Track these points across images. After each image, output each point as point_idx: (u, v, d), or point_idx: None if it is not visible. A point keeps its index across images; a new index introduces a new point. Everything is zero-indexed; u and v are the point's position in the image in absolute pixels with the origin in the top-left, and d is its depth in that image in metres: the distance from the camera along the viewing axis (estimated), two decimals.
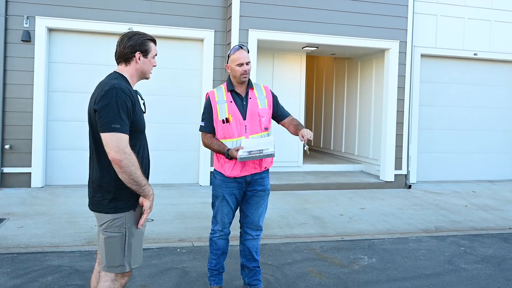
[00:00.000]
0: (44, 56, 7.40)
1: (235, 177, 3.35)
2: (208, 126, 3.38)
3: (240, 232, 3.56)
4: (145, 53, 2.50)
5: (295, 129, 3.43)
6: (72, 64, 7.69)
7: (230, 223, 3.50)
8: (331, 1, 8.02)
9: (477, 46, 9.19)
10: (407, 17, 8.36)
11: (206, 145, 3.42)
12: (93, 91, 2.47)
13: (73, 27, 7.51)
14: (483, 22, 9.21)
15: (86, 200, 6.60)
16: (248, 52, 3.41)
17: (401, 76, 8.39)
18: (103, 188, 2.38)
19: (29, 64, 7.34)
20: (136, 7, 7.71)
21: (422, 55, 8.90)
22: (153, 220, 5.57)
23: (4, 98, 7.27)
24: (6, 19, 7.20)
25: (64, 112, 7.70)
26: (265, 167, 3.41)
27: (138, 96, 2.56)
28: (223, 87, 3.45)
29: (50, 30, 7.54)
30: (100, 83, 2.45)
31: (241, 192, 3.42)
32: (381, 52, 8.72)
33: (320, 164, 9.48)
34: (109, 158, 2.24)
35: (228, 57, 3.40)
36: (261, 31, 7.79)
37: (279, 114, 3.52)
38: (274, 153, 3.22)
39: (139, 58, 2.49)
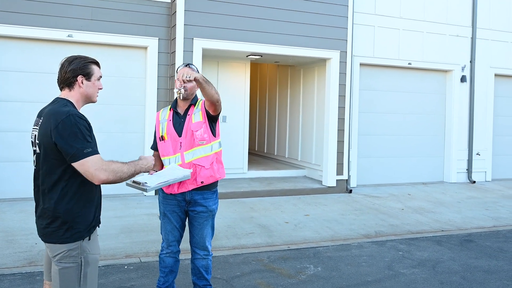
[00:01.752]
0: None
1: (173, 194, 3.39)
2: (153, 144, 3.60)
3: (191, 251, 3.60)
4: (87, 76, 2.49)
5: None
6: (7, 71, 7.33)
7: (177, 241, 3.52)
8: (274, 11, 8.21)
9: (411, 56, 9.76)
10: (347, 28, 8.72)
11: None
12: (39, 120, 2.42)
13: (7, 33, 7.15)
14: (416, 33, 9.79)
15: (23, 216, 6.39)
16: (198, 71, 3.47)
17: (342, 85, 8.74)
18: (59, 218, 2.34)
19: None
20: (76, 13, 7.47)
21: (361, 64, 9.31)
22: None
23: None
24: None
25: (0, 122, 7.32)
26: (201, 182, 3.37)
27: None
28: (169, 106, 3.55)
29: None
30: (48, 112, 2.39)
31: (182, 210, 3.45)
32: (323, 61, 9.03)
33: (264, 170, 9.67)
34: (96, 183, 2.28)
35: (176, 73, 3.50)
36: (206, 40, 7.82)
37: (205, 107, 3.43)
38: (187, 175, 3.20)
39: (82, 82, 2.47)
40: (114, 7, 7.68)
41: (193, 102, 3.46)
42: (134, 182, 2.93)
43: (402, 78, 9.99)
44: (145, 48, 8.04)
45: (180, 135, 3.38)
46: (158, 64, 8.00)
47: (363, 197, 8.38)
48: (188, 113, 3.42)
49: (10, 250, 4.94)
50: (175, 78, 3.49)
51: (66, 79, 2.45)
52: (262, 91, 12.45)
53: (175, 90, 3.02)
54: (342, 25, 8.70)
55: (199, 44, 7.78)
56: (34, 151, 2.45)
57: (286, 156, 10.77)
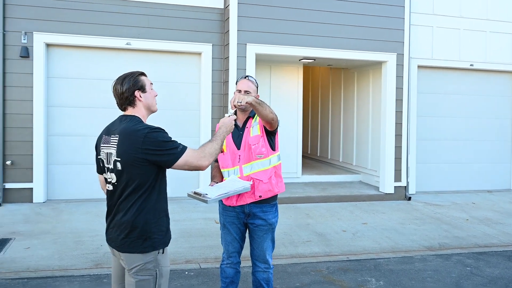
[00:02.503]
0: (43, 72, 7.38)
1: (232, 206, 3.39)
2: None
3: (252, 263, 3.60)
4: (142, 88, 2.58)
5: None
6: (70, 79, 7.68)
7: (237, 252, 3.52)
8: (327, 14, 8.09)
9: (473, 57, 9.32)
10: (403, 30, 8.46)
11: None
12: (110, 138, 2.51)
13: (71, 42, 7.50)
14: (478, 33, 9.34)
15: (89, 217, 6.64)
16: (257, 86, 3.46)
17: (399, 89, 8.49)
18: (137, 229, 2.45)
19: (28, 80, 7.32)
20: (134, 22, 7.71)
21: (419, 66, 9.00)
22: None
23: (4, 114, 7.24)
24: (4, 35, 7.17)
25: (63, 127, 7.68)
26: (259, 196, 3.34)
27: None
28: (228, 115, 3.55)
29: (48, 45, 7.52)
30: (126, 131, 2.46)
31: (242, 222, 3.44)
32: (378, 64, 8.81)
33: (318, 175, 9.56)
34: (203, 169, 2.51)
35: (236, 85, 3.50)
36: (259, 45, 7.83)
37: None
38: (247, 187, 3.20)
39: (140, 96, 2.57)
40: (169, 15, 7.86)
41: (252, 114, 3.45)
42: (195, 193, 2.98)
43: (464, 80, 9.56)
44: (199, 54, 8.16)
45: (238, 148, 3.37)
46: (212, 70, 8.10)
47: (424, 205, 8.08)
48: (247, 126, 3.41)
49: (78, 251, 5.15)
50: (235, 91, 3.49)
51: (126, 99, 2.55)
52: (314, 94, 12.33)
53: (226, 115, 3.03)
54: (399, 27, 8.45)
55: (252, 50, 7.81)
56: (108, 168, 2.52)
57: (340, 160, 10.60)
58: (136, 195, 2.45)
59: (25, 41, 7.27)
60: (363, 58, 8.35)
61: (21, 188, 7.34)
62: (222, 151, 3.39)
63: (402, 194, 8.49)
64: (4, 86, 7.22)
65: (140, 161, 2.40)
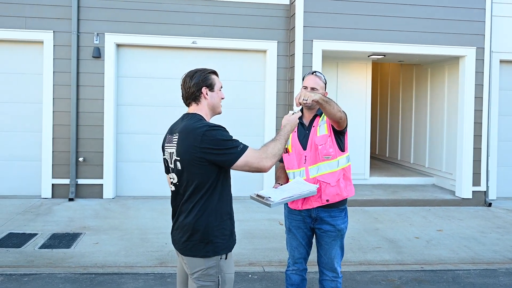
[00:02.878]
0: (113, 71, 7.59)
1: (297, 210, 3.19)
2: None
3: (318, 271, 3.38)
4: (210, 87, 2.48)
5: None
6: (138, 78, 7.85)
7: (304, 258, 3.31)
8: (399, 7, 7.64)
9: None
10: (484, 21, 7.81)
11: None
12: (172, 137, 2.43)
13: (139, 42, 7.66)
14: None
15: (155, 214, 6.71)
16: (325, 82, 3.25)
17: (479, 85, 7.84)
18: (198, 232, 2.34)
19: (99, 79, 7.57)
20: (200, 20, 7.73)
21: (501, 61, 8.27)
22: None
23: (77, 112, 7.53)
24: (78, 36, 7.46)
25: (132, 125, 7.87)
26: (327, 200, 3.13)
27: None
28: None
29: (118, 45, 7.73)
30: (186, 129, 2.37)
31: (308, 226, 3.23)
32: (454, 59, 8.21)
33: (388, 177, 9.09)
34: (265, 171, 2.36)
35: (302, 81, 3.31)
36: (326, 41, 7.56)
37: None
38: (313, 191, 2.95)
39: (206, 93, 2.46)
40: (234, 13, 7.80)
41: (319, 112, 3.23)
42: (258, 195, 2.78)
43: None
44: (264, 51, 8.03)
45: (304, 148, 3.17)
46: (277, 67, 7.95)
47: (506, 212, 7.40)
48: (313, 125, 3.20)
49: (144, 248, 5.20)
50: (302, 87, 3.29)
51: (192, 93, 2.45)
52: (383, 92, 11.80)
53: (290, 112, 2.80)
54: (479, 18, 7.80)
55: (319, 46, 7.55)
56: (171, 168, 2.45)
57: (411, 162, 10.03)
58: (196, 196, 2.34)
59: (97, 42, 7.53)
60: (439, 53, 7.80)
61: (92, 184, 7.61)
62: (287, 151, 3.21)
63: (481, 199, 7.84)
64: (78, 86, 7.52)
65: (199, 160, 2.29)
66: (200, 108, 2.47)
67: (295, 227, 3.26)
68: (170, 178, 2.47)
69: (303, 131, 3.22)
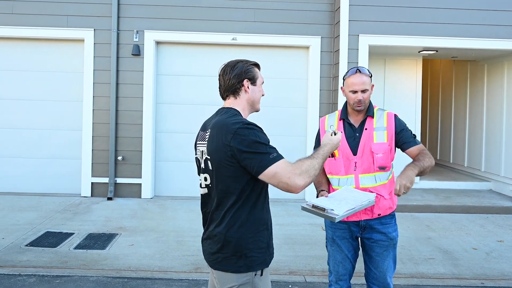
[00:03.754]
0: (153, 69, 7.47)
1: (345, 221, 2.82)
2: None
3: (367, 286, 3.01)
4: (253, 80, 2.19)
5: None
6: (177, 76, 7.69)
7: (349, 274, 2.93)
8: None
9: None
10: None
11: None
12: (205, 134, 2.15)
13: (178, 39, 7.50)
14: None
15: (192, 216, 6.48)
16: (371, 76, 2.85)
17: None
18: (230, 244, 2.04)
19: (139, 77, 7.46)
20: (240, 16, 7.47)
21: None
22: None
23: (117, 110, 7.46)
24: (118, 34, 7.38)
25: (170, 124, 7.72)
26: (379, 214, 2.79)
27: None
28: (337, 113, 2.95)
29: (158, 43, 7.60)
30: (217, 124, 2.08)
31: (354, 236, 2.87)
32: None
33: (439, 181, 8.47)
34: (295, 192, 1.95)
35: (344, 80, 2.88)
36: (373, 35, 7.11)
37: (404, 142, 2.83)
38: (372, 201, 2.57)
39: (248, 87, 2.17)
40: (276, 8, 7.49)
41: (370, 113, 2.84)
42: (315, 207, 2.40)
43: None
44: (307, 47, 7.67)
45: (354, 153, 2.80)
46: (320, 64, 7.57)
47: None
48: (365, 127, 2.83)
49: (179, 252, 4.99)
50: (340, 87, 2.95)
51: (231, 85, 2.18)
52: (434, 90, 11.14)
53: (329, 130, 2.36)
54: None
55: (365, 41, 7.11)
56: (202, 168, 2.17)
57: (465, 165, 9.35)
58: (228, 202, 2.04)
59: (137, 40, 7.43)
60: (497, 47, 7.17)
61: (131, 183, 7.52)
62: (333, 156, 2.83)
63: None
64: (117, 84, 7.44)
65: (229, 161, 1.99)
66: (238, 103, 2.19)
67: (340, 237, 2.88)
68: (201, 180, 2.20)
69: (352, 133, 2.85)
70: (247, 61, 2.22)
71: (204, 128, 2.23)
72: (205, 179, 2.14)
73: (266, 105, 7.75)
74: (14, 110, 7.58)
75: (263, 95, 2.27)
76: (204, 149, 2.13)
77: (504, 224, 6.43)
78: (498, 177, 8.15)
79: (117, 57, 7.41)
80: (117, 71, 7.42)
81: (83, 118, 7.48)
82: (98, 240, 5.30)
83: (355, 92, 2.78)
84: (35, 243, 5.13)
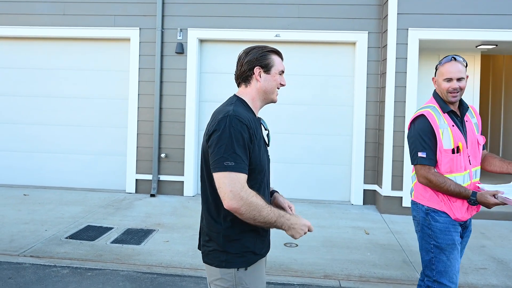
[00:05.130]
0: (196, 67, 7.47)
1: (461, 221, 2.68)
2: (432, 157, 2.64)
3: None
4: (266, 68, 2.02)
5: (504, 164, 2.71)
6: (220, 74, 7.64)
7: None
8: None
9: None
10: None
11: (431, 183, 2.63)
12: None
13: (221, 37, 7.44)
14: None
15: None
16: (466, 65, 2.67)
17: None
18: (212, 238, 1.96)
19: (182, 75, 7.48)
20: (283, 12, 7.30)
21: None
22: (297, 245, 5.02)
23: (160, 108, 7.53)
24: (162, 32, 7.45)
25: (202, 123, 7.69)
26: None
27: (262, 125, 2.05)
28: (437, 107, 2.71)
29: (201, 41, 7.59)
30: (216, 110, 2.02)
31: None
32: None
33: (499, 184, 7.82)
34: (224, 205, 1.83)
35: (436, 69, 2.73)
36: (424, 29, 6.69)
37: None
38: None
39: (259, 75, 2.01)
40: (320, 3, 7.25)
41: (467, 105, 2.74)
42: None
43: None
44: (353, 43, 7.37)
45: (467, 147, 2.66)
46: (367, 61, 7.23)
47: None
48: (466, 119, 2.72)
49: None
50: (432, 77, 2.79)
51: (242, 72, 2.06)
52: (496, 88, 10.38)
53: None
54: None
55: (415, 35, 6.70)
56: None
57: None
58: (210, 195, 1.94)
59: (180, 38, 7.46)
60: None
61: (173, 181, 7.54)
62: (458, 151, 2.59)
63: None
64: (161, 82, 7.51)
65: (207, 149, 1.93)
66: (248, 91, 2.06)
67: (458, 241, 2.68)
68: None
69: (460, 125, 2.69)
70: (263, 47, 2.08)
71: None
72: (201, 170, 2.05)
73: (310, 103, 7.55)
74: (64, 108, 7.86)
75: (283, 85, 2.10)
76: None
77: None
78: None
79: (161, 55, 7.47)
80: (161, 69, 7.49)
81: (128, 116, 7.61)
82: (135, 236, 5.32)
83: (450, 80, 2.64)
84: (74, 236, 5.23)
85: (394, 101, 6.74)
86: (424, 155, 2.65)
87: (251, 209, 1.80)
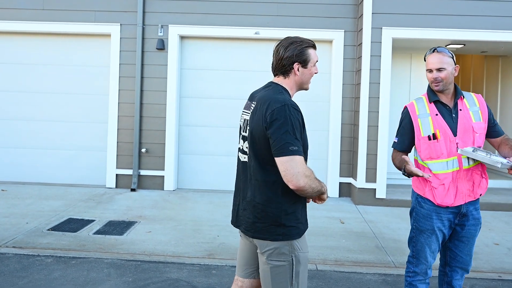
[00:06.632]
0: (177, 63, 7.59)
1: (448, 207, 2.81)
2: (400, 143, 2.97)
3: (444, 272, 3.03)
4: (304, 63, 2.24)
5: (511, 151, 2.79)
6: (201, 70, 7.78)
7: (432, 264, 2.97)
8: None
9: None
10: None
11: (392, 161, 3.01)
12: (251, 104, 2.27)
13: (202, 33, 7.59)
14: None
15: (211, 207, 6.56)
16: (453, 57, 2.84)
17: None
18: (268, 213, 2.15)
19: (163, 71, 7.60)
20: (263, 10, 7.50)
21: None
22: None
23: (141, 104, 7.63)
24: (143, 29, 7.55)
25: (194, 118, 7.82)
26: (480, 194, 2.84)
27: None
28: (424, 97, 2.93)
29: (182, 37, 7.72)
30: (263, 98, 2.19)
31: (451, 226, 2.87)
32: None
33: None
34: (290, 186, 2.06)
35: (425, 61, 2.92)
36: (397, 28, 6.99)
37: (495, 130, 2.93)
38: (504, 163, 2.63)
39: (297, 69, 2.23)
40: (298, 1, 7.48)
41: (460, 94, 2.87)
42: (476, 150, 2.67)
43: None
44: (330, 41, 7.62)
45: (455, 134, 2.80)
46: (343, 58, 7.50)
47: None
48: (460, 108, 2.85)
49: (194, 239, 5.05)
50: (426, 70, 2.93)
51: (282, 66, 2.25)
52: (464, 87, 10.81)
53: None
54: None
55: (388, 34, 6.99)
56: (243, 136, 2.29)
57: None
58: (267, 174, 2.14)
59: (161, 34, 7.57)
60: None
61: (154, 176, 7.65)
62: (434, 137, 2.79)
63: None
64: (142, 78, 7.61)
65: (265, 133, 2.10)
66: (287, 82, 2.28)
67: (439, 228, 2.86)
68: (241, 146, 2.31)
69: (448, 113, 2.85)
70: (302, 42, 2.26)
71: (251, 98, 2.34)
72: (247, 148, 2.23)
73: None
74: (44, 103, 7.87)
75: (316, 73, 2.33)
76: (248, 119, 2.23)
77: None
78: None
79: (142, 51, 7.58)
80: (142, 65, 7.59)
81: (109, 111, 7.68)
82: (117, 227, 5.43)
83: (431, 71, 2.83)
84: (56, 228, 5.31)
85: (369, 97, 7.02)
86: (396, 140, 2.99)
87: (311, 184, 2.08)
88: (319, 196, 2.22)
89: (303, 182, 2.04)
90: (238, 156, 2.35)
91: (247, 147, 2.24)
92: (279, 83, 2.27)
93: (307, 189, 2.07)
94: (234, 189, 2.42)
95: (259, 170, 2.16)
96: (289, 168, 2.02)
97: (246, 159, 2.26)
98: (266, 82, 2.36)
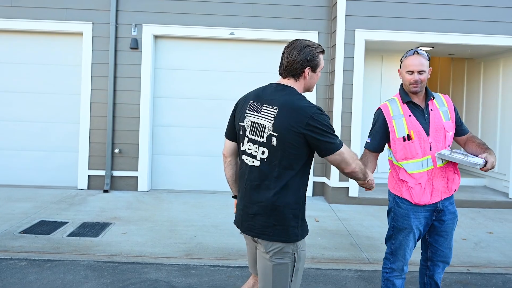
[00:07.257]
0: (150, 63, 7.54)
1: (425, 205, 2.90)
2: (373, 143, 3.03)
3: (426, 266, 3.13)
4: (314, 68, 2.30)
5: (478, 149, 2.91)
6: (175, 70, 7.75)
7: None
8: None
9: None
10: None
11: (360, 161, 3.06)
12: (260, 108, 2.27)
13: (177, 33, 7.56)
14: None
15: (186, 207, 6.53)
16: (429, 59, 2.93)
17: None
18: (281, 215, 2.24)
19: (136, 71, 7.53)
20: (237, 10, 7.54)
21: None
22: None
23: (114, 104, 7.53)
24: (116, 27, 7.46)
25: (168, 118, 7.78)
26: (454, 190, 2.96)
27: None
28: (397, 98, 3.00)
29: (156, 37, 7.67)
30: (288, 104, 2.21)
31: (428, 223, 2.95)
32: (510, 51, 7.56)
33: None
34: (346, 171, 2.28)
35: (401, 62, 2.98)
36: (369, 31, 7.16)
37: (461, 128, 3.06)
38: (481, 164, 2.75)
39: (307, 74, 2.28)
40: (274, 3, 7.55)
41: (431, 95, 2.96)
42: (454, 153, 2.81)
43: None
44: None
45: (427, 134, 2.88)
46: None
47: None
48: (431, 108, 2.94)
49: (171, 240, 5.04)
50: (398, 69, 3.05)
51: (293, 69, 2.29)
52: (432, 88, 11.16)
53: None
54: None
55: (361, 36, 7.16)
56: (255, 140, 2.27)
57: None
58: (287, 177, 2.22)
59: (135, 33, 7.50)
60: (493, 44, 7.21)
61: (127, 176, 7.58)
62: (409, 138, 2.88)
63: None
64: (115, 77, 7.52)
65: (298, 141, 2.18)
66: (297, 85, 2.32)
67: (416, 226, 2.93)
68: (248, 150, 2.30)
69: (421, 114, 2.92)
70: (314, 47, 2.30)
71: (257, 99, 2.31)
72: (263, 153, 2.24)
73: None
74: (13, 103, 7.67)
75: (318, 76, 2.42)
76: (267, 124, 2.22)
77: (495, 217, 6.46)
78: (492, 173, 8.17)
79: (115, 51, 7.48)
80: (115, 64, 7.50)
81: (80, 111, 7.55)
82: (91, 229, 5.36)
83: (411, 73, 2.88)
84: (28, 230, 5.19)
85: (342, 98, 7.16)
86: (369, 141, 3.06)
87: (361, 167, 2.35)
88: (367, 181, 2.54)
89: (355, 165, 2.27)
90: (243, 159, 2.35)
91: (256, 151, 2.26)
92: (290, 85, 2.30)
93: (358, 171, 2.30)
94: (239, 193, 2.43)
95: (280, 174, 2.21)
96: (344, 158, 2.22)
97: (254, 163, 2.27)
98: (267, 83, 2.39)
